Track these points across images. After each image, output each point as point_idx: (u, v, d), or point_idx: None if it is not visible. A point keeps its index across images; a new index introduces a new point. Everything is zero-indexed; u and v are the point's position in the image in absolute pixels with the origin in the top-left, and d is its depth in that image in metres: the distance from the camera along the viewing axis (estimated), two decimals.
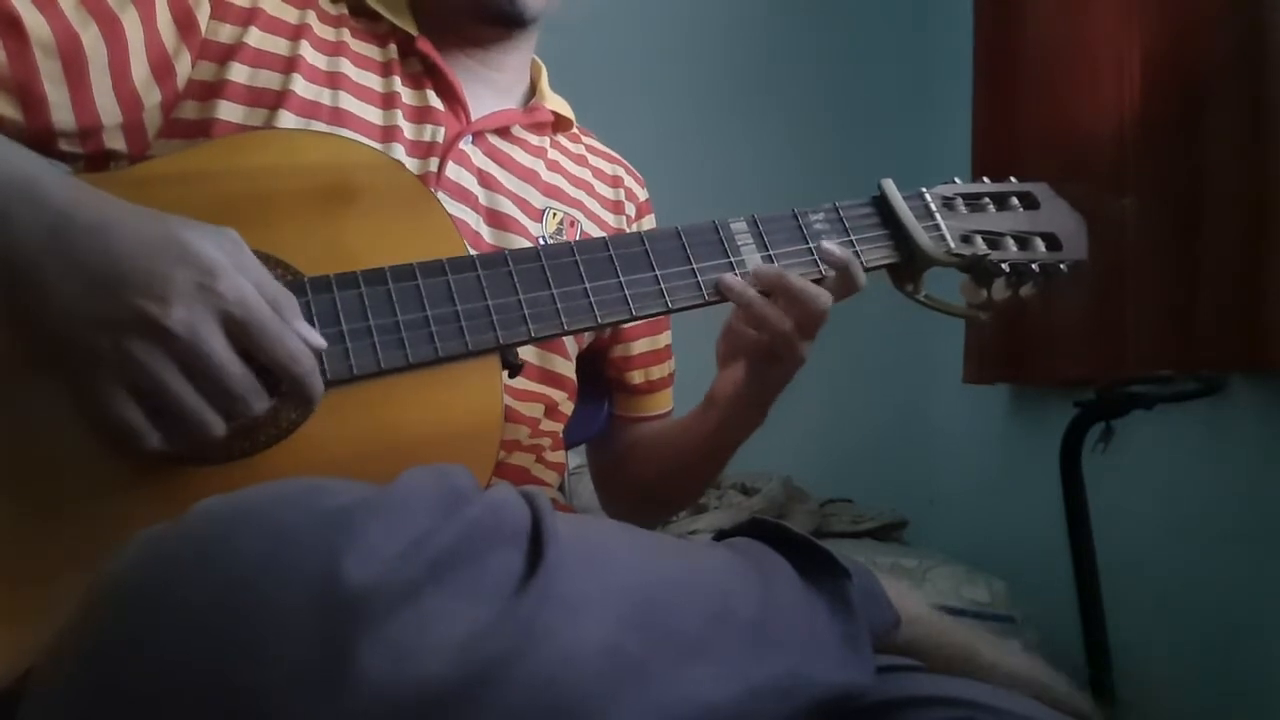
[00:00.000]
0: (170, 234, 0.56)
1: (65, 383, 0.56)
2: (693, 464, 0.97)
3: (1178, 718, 1.52)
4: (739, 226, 0.79)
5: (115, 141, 0.72)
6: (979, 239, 0.85)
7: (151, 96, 0.72)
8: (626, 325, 0.98)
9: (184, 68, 0.74)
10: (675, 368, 1.07)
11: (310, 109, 0.76)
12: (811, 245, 0.80)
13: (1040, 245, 0.87)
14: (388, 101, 0.81)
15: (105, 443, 0.57)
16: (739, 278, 0.77)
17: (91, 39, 0.68)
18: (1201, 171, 1.43)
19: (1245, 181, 1.35)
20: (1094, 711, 0.68)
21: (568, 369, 0.89)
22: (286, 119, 0.75)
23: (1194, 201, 1.44)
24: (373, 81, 0.81)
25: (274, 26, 0.78)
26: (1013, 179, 0.92)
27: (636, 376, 1.02)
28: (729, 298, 0.77)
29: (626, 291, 0.73)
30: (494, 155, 0.86)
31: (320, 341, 0.61)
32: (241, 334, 0.57)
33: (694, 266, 0.76)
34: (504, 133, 0.88)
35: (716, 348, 0.88)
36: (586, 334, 0.93)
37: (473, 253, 0.71)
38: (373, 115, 0.80)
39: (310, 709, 0.41)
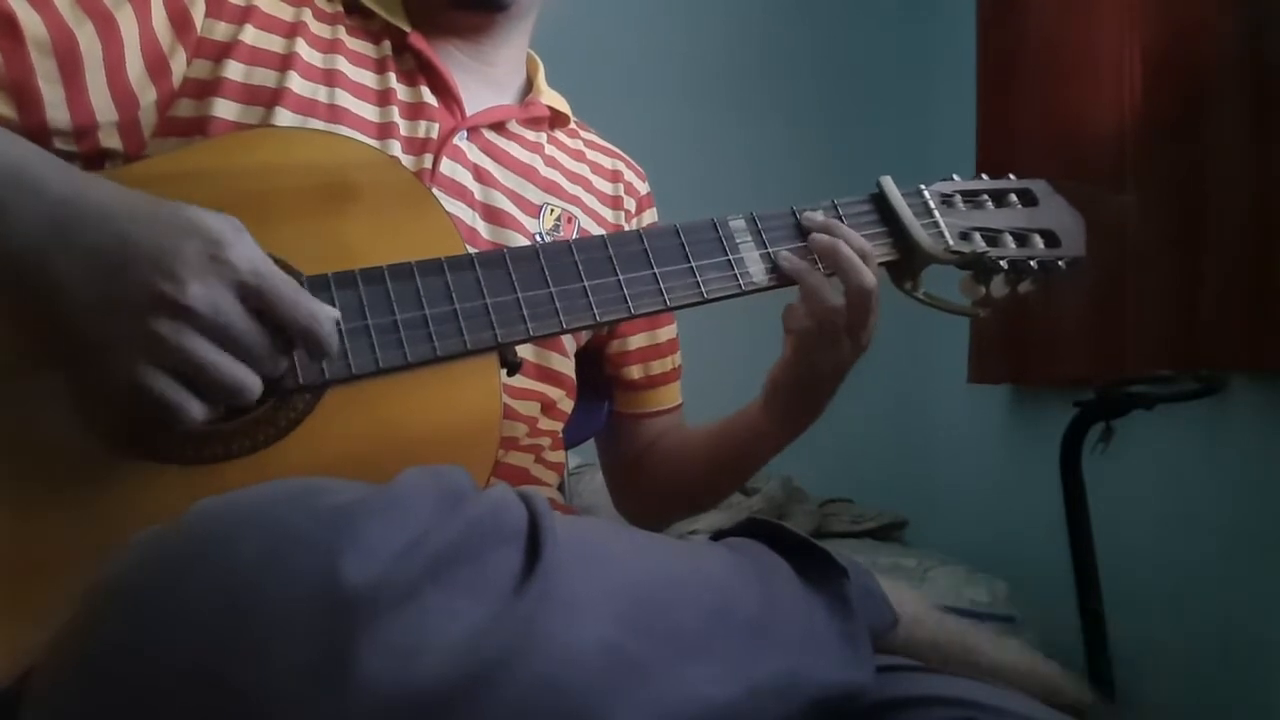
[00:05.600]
0: (174, 210, 0.57)
1: (85, 372, 0.56)
2: (725, 460, 0.96)
3: (1178, 718, 1.52)
4: (738, 224, 0.79)
5: (111, 140, 0.71)
6: (977, 236, 0.85)
7: (147, 95, 0.72)
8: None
9: (179, 66, 0.74)
10: (684, 363, 1.06)
11: (307, 106, 0.76)
12: (806, 243, 0.80)
13: (1039, 242, 0.87)
14: (383, 98, 0.80)
15: (142, 423, 0.57)
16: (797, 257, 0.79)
17: (87, 37, 0.68)
18: (1202, 171, 1.43)
19: (1246, 181, 1.35)
20: (1096, 704, 0.68)
21: (566, 366, 0.89)
22: (283, 116, 0.74)
23: (1194, 201, 1.44)
24: (368, 78, 0.81)
25: (269, 24, 0.78)
26: (1011, 176, 0.92)
27: (634, 372, 1.02)
28: (787, 270, 0.77)
29: (625, 290, 0.73)
30: (490, 151, 0.86)
31: (334, 312, 0.61)
32: (257, 300, 0.57)
33: (692, 265, 0.76)
34: (500, 128, 0.87)
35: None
36: (585, 331, 0.92)
37: (471, 250, 0.71)
38: (369, 112, 0.79)
39: (310, 709, 0.41)
